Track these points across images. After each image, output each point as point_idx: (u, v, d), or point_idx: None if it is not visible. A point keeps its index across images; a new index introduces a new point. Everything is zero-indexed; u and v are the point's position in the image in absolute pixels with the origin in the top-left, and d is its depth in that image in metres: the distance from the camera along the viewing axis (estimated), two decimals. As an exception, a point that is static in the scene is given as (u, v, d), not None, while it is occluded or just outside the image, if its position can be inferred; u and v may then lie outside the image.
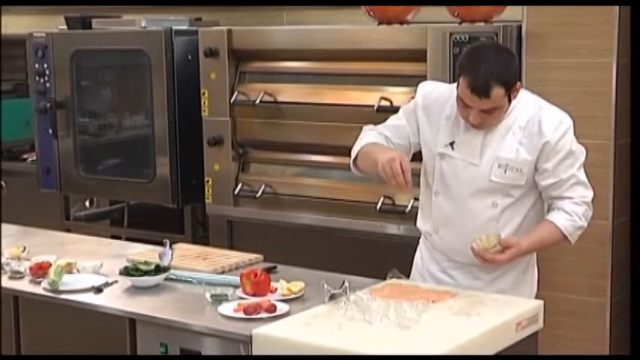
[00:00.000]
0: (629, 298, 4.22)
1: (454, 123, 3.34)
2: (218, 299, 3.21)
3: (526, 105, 3.32)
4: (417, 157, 3.52)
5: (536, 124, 3.27)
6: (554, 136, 3.26)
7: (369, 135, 3.46)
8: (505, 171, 3.28)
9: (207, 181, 5.05)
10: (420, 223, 3.53)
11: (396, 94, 4.54)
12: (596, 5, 4.06)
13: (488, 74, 3.12)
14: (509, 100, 3.23)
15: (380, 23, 4.62)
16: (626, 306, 4.25)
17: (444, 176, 3.36)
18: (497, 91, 3.14)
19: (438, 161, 3.35)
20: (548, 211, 3.37)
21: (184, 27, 5.27)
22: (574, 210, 3.31)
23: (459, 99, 3.23)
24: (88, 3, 6.00)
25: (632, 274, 4.20)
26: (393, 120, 3.51)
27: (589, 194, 3.35)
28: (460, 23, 4.42)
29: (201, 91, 5.01)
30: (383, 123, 3.53)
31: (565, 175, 3.29)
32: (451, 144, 3.33)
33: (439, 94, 3.42)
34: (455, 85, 3.28)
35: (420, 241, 3.60)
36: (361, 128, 3.60)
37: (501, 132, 3.29)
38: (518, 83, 3.25)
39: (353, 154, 3.45)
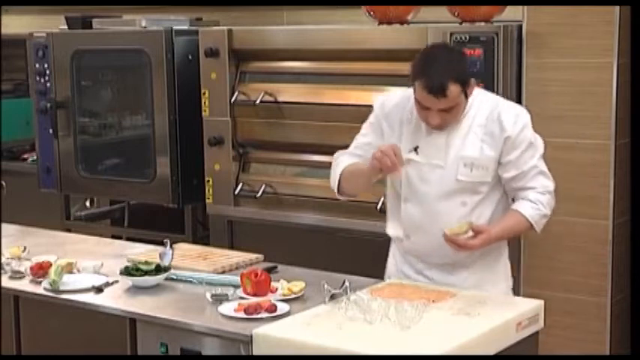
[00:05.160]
0: (629, 298, 4.23)
1: (416, 128, 3.38)
2: (218, 299, 3.21)
3: (483, 103, 3.37)
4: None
5: (496, 120, 3.32)
6: (514, 130, 3.31)
7: (344, 160, 3.50)
8: (471, 169, 3.32)
9: (208, 181, 5.05)
10: (390, 229, 3.55)
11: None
12: (597, 5, 4.06)
13: (442, 73, 3.18)
14: (466, 97, 3.27)
15: (380, 23, 4.62)
16: (626, 306, 4.25)
17: (411, 181, 3.37)
18: (454, 89, 3.18)
19: (404, 167, 3.34)
20: (513, 203, 3.41)
21: (185, 27, 5.27)
22: (539, 199, 3.35)
23: (417, 103, 3.27)
24: (89, 3, 6.01)
25: (632, 274, 4.20)
26: (360, 139, 3.53)
27: (551, 184, 3.40)
28: (460, 23, 4.43)
29: (202, 91, 5.01)
30: (352, 145, 3.54)
31: (527, 167, 3.34)
32: (415, 149, 3.36)
33: (396, 102, 3.46)
34: (411, 89, 3.31)
35: (392, 249, 3.61)
36: (361, 127, 3.60)
37: (463, 132, 3.33)
38: (472, 80, 3.29)
39: (334, 182, 3.48)
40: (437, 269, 3.43)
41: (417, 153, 3.35)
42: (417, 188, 3.36)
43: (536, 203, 3.35)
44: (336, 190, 3.51)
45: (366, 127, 3.54)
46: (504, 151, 3.32)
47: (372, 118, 3.53)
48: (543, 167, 3.39)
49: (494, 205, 3.41)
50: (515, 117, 3.34)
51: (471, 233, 3.23)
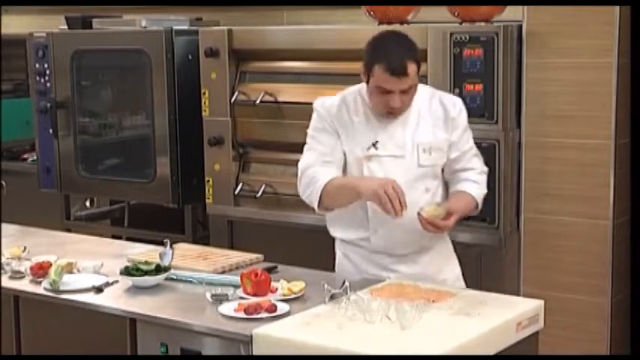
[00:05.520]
0: (629, 298, 4.23)
1: (369, 124, 3.46)
2: (218, 299, 3.21)
3: (420, 93, 3.49)
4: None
5: (439, 104, 3.51)
6: (455, 111, 3.51)
7: (322, 172, 3.46)
8: (430, 153, 3.47)
9: (208, 181, 5.05)
10: (343, 233, 3.58)
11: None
12: (597, 5, 4.06)
13: (401, 54, 3.31)
14: (418, 80, 3.40)
15: (380, 23, 4.62)
16: (626, 306, 4.25)
17: (375, 176, 3.42)
18: (412, 68, 3.32)
19: (365, 164, 3.44)
20: (454, 184, 3.57)
21: (185, 27, 5.27)
22: (479, 179, 3.57)
23: (376, 89, 3.35)
24: (89, 3, 6.01)
25: (632, 274, 4.20)
26: (320, 146, 3.50)
27: (484, 165, 3.62)
28: (460, 23, 4.43)
29: (202, 91, 5.01)
30: (312, 155, 3.50)
31: (466, 147, 3.55)
32: (374, 144, 3.45)
33: (337, 103, 3.52)
34: (346, 90, 3.50)
35: (343, 250, 3.63)
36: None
37: (414, 120, 3.47)
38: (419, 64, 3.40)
39: (314, 197, 3.45)
40: (403, 262, 3.51)
41: (377, 148, 3.44)
42: None
43: (478, 183, 3.56)
44: (315, 205, 3.48)
45: (318, 134, 3.53)
46: (451, 132, 3.50)
47: (319, 123, 3.54)
48: (477, 150, 3.61)
49: (443, 191, 3.57)
50: (453, 101, 3.55)
51: (444, 215, 3.36)
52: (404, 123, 3.46)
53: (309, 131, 3.57)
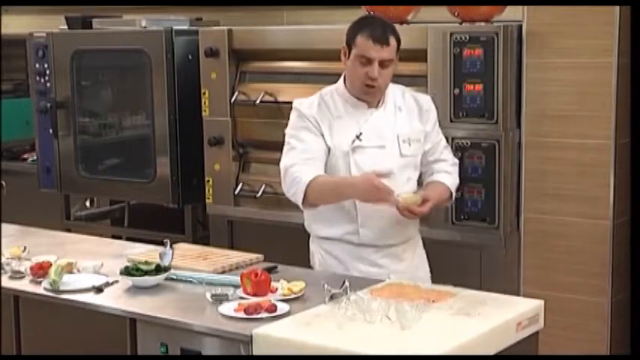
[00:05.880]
0: (629, 298, 4.23)
1: (351, 118, 3.61)
2: (218, 299, 3.21)
3: (394, 87, 3.71)
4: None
5: (411, 98, 3.71)
6: (427, 105, 3.74)
7: (304, 171, 3.52)
8: (410, 144, 3.64)
9: (208, 181, 5.05)
10: (328, 231, 3.66)
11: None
12: (597, 5, 4.06)
13: (383, 26, 3.54)
14: (396, 64, 3.58)
15: (380, 23, 4.61)
16: (626, 306, 4.25)
17: (360, 167, 3.55)
18: (393, 42, 3.53)
19: (351, 156, 3.57)
20: (428, 175, 3.76)
21: (185, 27, 5.27)
22: (452, 170, 3.78)
23: (357, 61, 3.52)
24: (89, 3, 6.01)
25: (632, 274, 4.20)
26: (300, 146, 3.57)
27: (455, 158, 3.85)
28: (460, 23, 4.43)
29: (202, 91, 5.01)
30: (294, 153, 3.57)
31: (437, 139, 3.76)
32: (358, 137, 3.58)
33: (317, 102, 3.65)
34: (324, 89, 3.69)
35: (325, 248, 3.70)
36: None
37: (391, 113, 3.65)
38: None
39: (299, 195, 3.52)
40: (388, 257, 3.64)
41: (361, 140, 3.58)
42: (366, 172, 3.49)
43: (451, 174, 3.76)
44: (300, 203, 3.55)
45: (299, 132, 3.60)
46: (425, 124, 3.69)
47: (299, 122, 3.62)
48: (446, 143, 3.83)
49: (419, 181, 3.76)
50: (423, 95, 3.81)
51: (420, 202, 3.53)
52: (383, 115, 3.63)
53: (289, 131, 3.66)
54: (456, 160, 3.85)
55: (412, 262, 3.73)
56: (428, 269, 3.83)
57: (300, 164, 3.54)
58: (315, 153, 3.56)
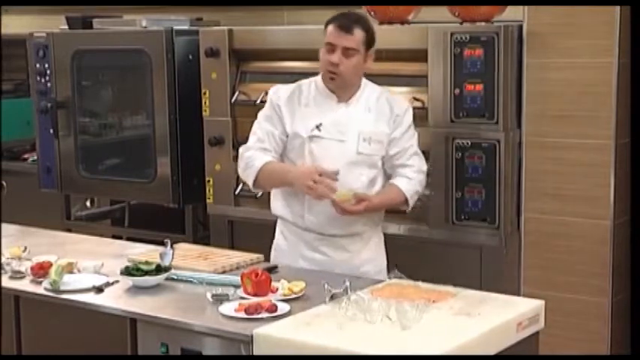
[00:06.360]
0: (629, 298, 4.23)
1: (317, 109, 3.75)
2: (219, 299, 3.21)
3: (372, 89, 3.82)
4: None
5: (386, 101, 3.80)
6: (401, 111, 3.81)
7: (257, 156, 3.76)
8: (369, 143, 3.74)
9: (208, 180, 5.05)
10: (282, 210, 3.85)
11: (397, 93, 4.53)
12: (597, 5, 4.06)
13: (352, 18, 3.70)
14: (364, 60, 3.70)
15: (381, 23, 4.62)
16: (627, 306, 4.25)
17: (314, 156, 3.72)
18: (358, 33, 3.66)
19: (308, 144, 3.73)
20: (392, 178, 3.83)
21: (185, 27, 5.27)
22: (414, 177, 3.81)
23: (324, 48, 3.70)
24: (89, 3, 6.01)
25: (632, 274, 4.20)
26: (261, 132, 3.81)
27: (425, 165, 3.88)
28: (461, 23, 4.42)
29: (202, 90, 5.01)
30: (253, 139, 3.82)
31: (407, 145, 3.81)
32: (318, 126, 3.72)
33: (291, 90, 3.83)
34: (301, 81, 3.85)
35: (281, 228, 3.91)
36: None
37: (360, 110, 3.75)
38: (372, 53, 3.74)
39: (250, 178, 3.78)
40: (332, 246, 3.76)
41: (320, 130, 3.72)
42: (321, 162, 3.68)
43: (412, 179, 3.80)
44: (251, 185, 3.83)
45: (263, 121, 3.83)
46: (392, 128, 3.76)
47: (267, 110, 3.84)
48: (419, 150, 3.86)
49: (383, 182, 3.83)
50: (400, 101, 3.88)
51: (354, 201, 3.62)
52: (350, 111, 3.75)
53: (259, 115, 3.87)
54: (424, 168, 3.87)
55: (359, 256, 3.80)
56: (380, 265, 3.86)
57: (254, 149, 3.78)
58: (269, 143, 3.77)
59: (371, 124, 3.75)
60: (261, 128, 3.81)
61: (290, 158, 3.79)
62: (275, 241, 3.93)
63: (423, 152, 4.31)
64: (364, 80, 3.83)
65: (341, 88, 3.75)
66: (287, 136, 3.78)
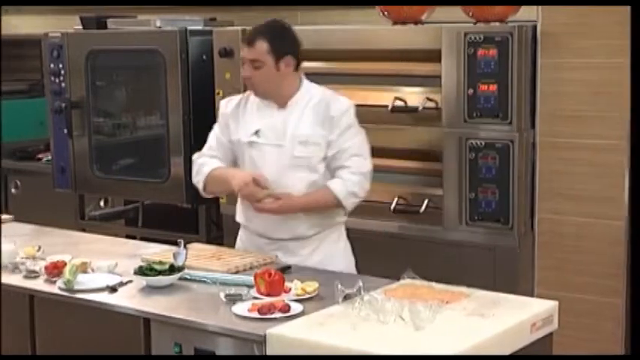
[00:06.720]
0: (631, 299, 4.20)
1: (257, 115, 3.83)
2: (232, 299, 3.22)
3: (314, 91, 3.85)
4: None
5: (324, 103, 3.79)
6: (338, 112, 3.76)
7: (205, 163, 3.90)
8: (306, 146, 3.76)
9: (222, 181, 5.05)
10: (239, 215, 3.96)
11: (411, 94, 4.54)
12: (611, 5, 4.05)
13: (257, 30, 3.78)
14: (277, 68, 3.73)
15: (394, 23, 4.62)
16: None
17: (254, 162, 3.80)
18: (260, 45, 3.72)
19: (247, 150, 3.82)
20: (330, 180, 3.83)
21: (199, 27, 5.28)
22: (349, 178, 3.76)
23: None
24: (102, 3, 6.02)
25: (632, 274, 4.18)
26: (212, 140, 3.95)
27: (365, 166, 3.80)
28: (475, 23, 4.42)
29: (216, 91, 5.02)
30: (206, 147, 3.94)
31: (345, 146, 3.76)
32: (256, 132, 3.81)
33: (237, 100, 3.93)
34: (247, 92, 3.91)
35: (240, 233, 4.01)
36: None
37: (297, 113, 3.78)
38: (289, 58, 3.76)
39: (200, 184, 3.91)
40: (281, 250, 3.82)
41: (259, 136, 3.80)
42: (259, 167, 3.78)
43: (346, 181, 3.76)
44: (201, 190, 3.93)
45: (217, 128, 3.95)
46: (329, 129, 3.75)
47: (219, 118, 3.96)
48: (361, 151, 3.79)
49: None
50: (339, 102, 3.81)
51: (272, 199, 3.70)
52: (286, 116, 3.79)
53: (215, 125, 3.99)
54: (364, 170, 3.78)
55: (310, 259, 3.81)
56: (339, 267, 3.81)
57: (206, 156, 3.92)
58: (217, 150, 3.90)
59: (308, 127, 3.76)
60: (214, 136, 3.95)
61: (239, 165, 3.89)
62: (236, 246, 4.02)
63: (435, 152, 4.32)
64: (305, 83, 3.85)
65: (265, 97, 3.81)
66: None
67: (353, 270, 3.89)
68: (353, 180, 3.75)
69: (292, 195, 3.74)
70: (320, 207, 3.80)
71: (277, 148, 3.77)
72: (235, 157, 3.91)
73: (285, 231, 3.81)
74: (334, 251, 3.89)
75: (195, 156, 3.97)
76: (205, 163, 3.89)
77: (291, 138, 3.76)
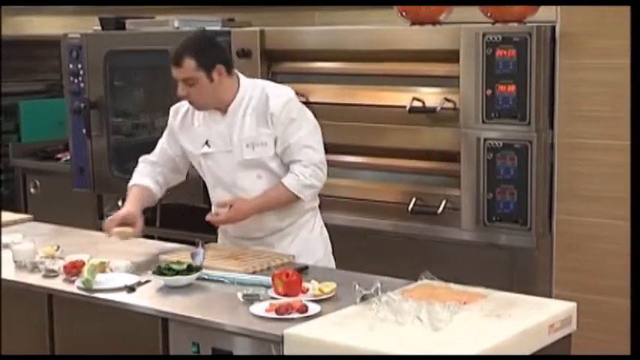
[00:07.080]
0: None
1: (205, 125, 3.87)
2: (250, 299, 3.22)
3: (251, 89, 3.84)
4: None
5: (264, 101, 3.79)
6: (277, 108, 3.76)
7: (138, 171, 4.04)
8: (253, 148, 3.80)
9: (239, 181, 5.06)
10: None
11: (428, 94, 4.53)
12: (630, 5, 4.02)
13: (182, 48, 3.77)
14: (211, 79, 3.73)
15: (412, 24, 4.61)
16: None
17: (212, 171, 3.90)
18: (187, 63, 3.72)
19: (203, 160, 3.90)
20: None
21: (217, 27, 5.29)
22: (302, 171, 3.79)
23: None
24: (119, 3, 6.04)
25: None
26: (158, 148, 4.05)
27: (317, 157, 3.82)
28: (493, 24, 4.41)
29: (234, 91, 5.02)
30: (154, 150, 4.05)
31: (292, 140, 3.78)
32: (206, 142, 3.87)
33: (185, 108, 3.95)
34: None
35: (219, 236, 4.12)
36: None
37: (239, 118, 3.80)
38: (220, 67, 3.74)
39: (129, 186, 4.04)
40: (263, 244, 3.89)
41: (209, 146, 3.86)
42: (217, 174, 3.88)
43: (298, 175, 3.79)
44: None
45: (164, 136, 4.04)
46: (273, 127, 3.77)
47: (168, 127, 4.02)
48: (311, 142, 3.81)
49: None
50: (277, 97, 3.80)
51: (226, 209, 3.81)
52: (230, 122, 3.81)
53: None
54: (316, 160, 3.80)
55: (289, 250, 3.85)
56: (315, 256, 3.89)
57: (146, 162, 4.04)
58: (161, 157, 4.01)
59: (252, 129, 3.79)
60: (160, 144, 4.03)
61: (199, 172, 3.99)
62: None
63: (453, 153, 4.31)
64: (243, 82, 3.85)
65: (206, 109, 3.84)
66: (182, 153, 3.97)
67: (330, 255, 4.00)
68: (305, 173, 3.79)
69: (246, 199, 3.81)
70: (281, 203, 3.85)
71: (228, 154, 3.83)
72: (178, 167, 4.02)
73: (259, 229, 3.90)
74: (312, 239, 3.97)
75: (140, 158, 4.07)
76: (137, 171, 4.04)
77: (237, 143, 3.80)
